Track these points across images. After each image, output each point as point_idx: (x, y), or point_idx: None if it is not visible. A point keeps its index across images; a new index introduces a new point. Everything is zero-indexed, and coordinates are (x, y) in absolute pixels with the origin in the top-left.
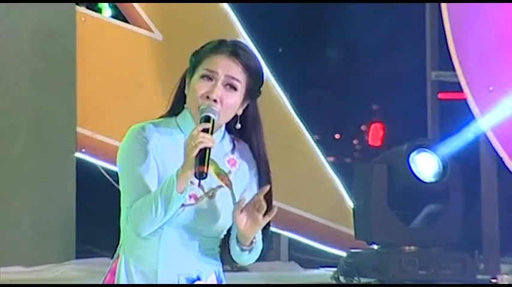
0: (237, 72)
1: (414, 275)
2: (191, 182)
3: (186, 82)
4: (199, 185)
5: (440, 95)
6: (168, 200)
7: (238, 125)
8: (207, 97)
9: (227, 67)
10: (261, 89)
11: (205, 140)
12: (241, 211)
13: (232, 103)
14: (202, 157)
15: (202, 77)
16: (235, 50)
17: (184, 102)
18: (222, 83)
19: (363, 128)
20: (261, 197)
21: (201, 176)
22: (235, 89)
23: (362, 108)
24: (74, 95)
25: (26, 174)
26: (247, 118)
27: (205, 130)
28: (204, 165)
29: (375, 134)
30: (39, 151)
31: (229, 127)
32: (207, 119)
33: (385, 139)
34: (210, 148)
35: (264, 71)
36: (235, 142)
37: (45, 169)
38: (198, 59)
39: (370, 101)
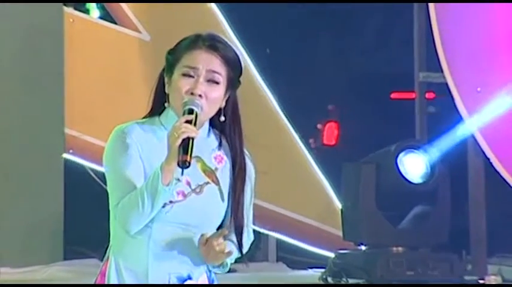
0: (218, 66)
1: (402, 275)
2: (178, 180)
3: (165, 81)
4: (187, 183)
5: (392, 95)
6: (154, 194)
7: (222, 118)
8: (192, 93)
9: (207, 62)
10: (240, 78)
11: (188, 130)
12: (205, 242)
13: (216, 97)
14: (186, 146)
15: (184, 74)
16: (212, 43)
17: (165, 101)
18: (204, 79)
19: (319, 127)
20: (220, 239)
21: (184, 164)
22: (217, 82)
23: (318, 108)
24: (62, 96)
25: (14, 175)
26: (227, 110)
27: (188, 121)
28: (187, 154)
29: (329, 133)
30: (27, 152)
31: (214, 123)
32: (190, 112)
33: (340, 138)
34: (193, 138)
35: (247, 67)
36: (221, 139)
37: (33, 170)
38: (176, 56)
39: (326, 101)
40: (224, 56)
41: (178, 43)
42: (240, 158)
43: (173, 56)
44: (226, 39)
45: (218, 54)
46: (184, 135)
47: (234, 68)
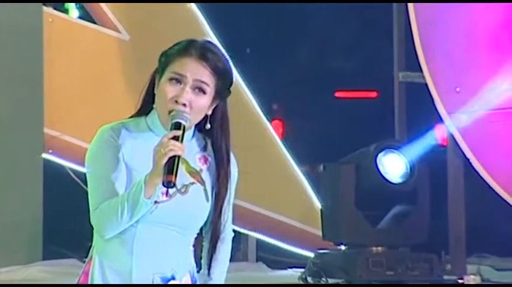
0: (206, 76)
1: (381, 275)
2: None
3: (156, 82)
4: None
5: (337, 94)
6: (135, 205)
7: (208, 126)
8: (176, 101)
9: (195, 71)
10: (230, 88)
11: (176, 148)
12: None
13: (201, 106)
14: (171, 165)
15: (171, 79)
16: (203, 53)
17: (153, 102)
18: (191, 87)
19: None
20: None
21: (168, 185)
22: (204, 92)
23: (264, 107)
24: (42, 95)
25: None
26: (216, 117)
27: (176, 138)
28: (172, 174)
29: (275, 131)
30: (6, 152)
31: (200, 126)
32: (177, 126)
33: (284, 135)
34: (179, 157)
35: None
36: (207, 141)
37: (12, 170)
38: (167, 60)
39: (271, 100)
40: (214, 66)
41: (172, 46)
42: (225, 165)
43: (165, 59)
44: (220, 48)
45: (208, 64)
46: (171, 154)
47: (224, 79)
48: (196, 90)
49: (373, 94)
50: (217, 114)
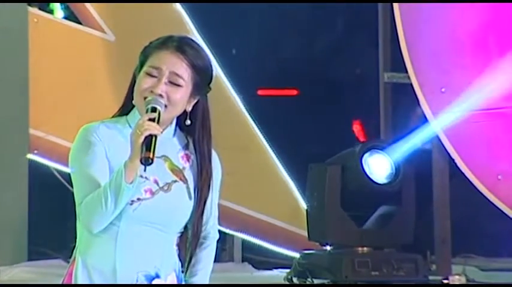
0: (181, 69)
1: (367, 276)
2: (146, 178)
3: (136, 79)
4: (154, 181)
5: (259, 92)
6: (118, 191)
7: (188, 122)
8: (152, 91)
9: (171, 64)
10: (210, 85)
11: (151, 127)
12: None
13: (178, 98)
14: (148, 143)
15: (147, 73)
16: (180, 46)
17: (132, 99)
18: (167, 79)
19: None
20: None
21: (146, 161)
22: (179, 85)
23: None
24: (27, 96)
25: None
26: (196, 114)
27: (151, 119)
28: (149, 151)
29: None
30: None
31: (181, 124)
32: (153, 110)
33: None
34: (156, 136)
35: (214, 68)
36: (188, 139)
37: None
38: (145, 55)
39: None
40: (190, 59)
41: (151, 43)
42: (207, 162)
43: (143, 55)
44: (198, 43)
45: (184, 57)
46: (147, 133)
47: (201, 74)
48: (171, 83)
49: (293, 92)
50: (198, 111)
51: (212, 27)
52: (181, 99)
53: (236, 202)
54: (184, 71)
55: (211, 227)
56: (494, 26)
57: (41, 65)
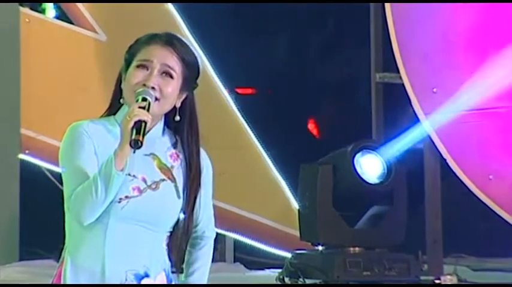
0: (173, 61)
1: (359, 276)
2: (134, 176)
3: (122, 78)
4: (142, 179)
5: (249, 91)
6: (108, 179)
7: (177, 118)
8: (144, 85)
9: (162, 56)
10: (198, 80)
11: (141, 113)
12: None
13: (170, 91)
14: (138, 128)
15: (138, 66)
16: (169, 39)
17: (121, 98)
18: (158, 71)
19: None
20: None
21: (136, 144)
22: (171, 77)
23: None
24: (18, 96)
25: None
26: (185, 112)
27: (141, 107)
28: (139, 134)
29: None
30: None
31: (169, 123)
32: (144, 99)
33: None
34: (145, 122)
35: (206, 68)
36: (177, 138)
37: None
38: (132, 52)
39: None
40: (180, 52)
41: (136, 41)
42: (196, 160)
43: (130, 53)
44: (185, 41)
45: (174, 50)
46: (136, 118)
47: (190, 68)
48: (164, 74)
49: (248, 91)
50: (186, 108)
51: (204, 27)
52: (173, 92)
53: (228, 202)
54: (175, 64)
55: (206, 227)
56: (486, 26)
57: (32, 65)
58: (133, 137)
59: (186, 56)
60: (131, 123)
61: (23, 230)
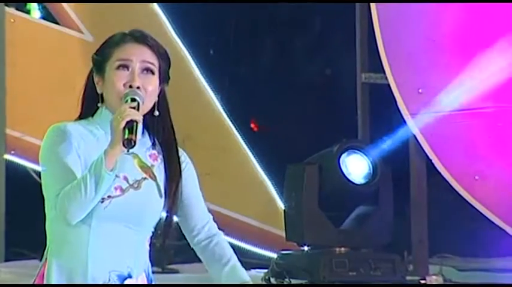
0: (150, 56)
1: (344, 276)
2: (116, 175)
3: (96, 81)
4: (124, 178)
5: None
6: (98, 179)
7: (157, 112)
8: (130, 86)
9: (140, 53)
10: (169, 72)
11: (132, 113)
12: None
13: (153, 89)
14: (130, 127)
15: (118, 67)
16: (141, 37)
17: (98, 102)
18: (140, 69)
19: None
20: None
21: (129, 144)
22: (152, 72)
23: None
24: (4, 96)
25: None
26: (163, 106)
27: (132, 108)
28: (132, 133)
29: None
30: None
31: (145, 121)
32: (133, 100)
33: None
34: (137, 121)
35: (192, 69)
36: (155, 139)
37: None
38: (105, 54)
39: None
40: (155, 47)
41: (105, 42)
42: (175, 158)
43: (102, 55)
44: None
45: (149, 45)
46: (129, 118)
47: (165, 60)
48: (145, 72)
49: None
50: (163, 102)
51: (189, 28)
52: (154, 89)
53: (214, 202)
54: (153, 58)
55: (206, 225)
56: (471, 27)
57: (18, 65)
58: (126, 136)
59: (160, 49)
60: (123, 123)
61: (8, 231)
